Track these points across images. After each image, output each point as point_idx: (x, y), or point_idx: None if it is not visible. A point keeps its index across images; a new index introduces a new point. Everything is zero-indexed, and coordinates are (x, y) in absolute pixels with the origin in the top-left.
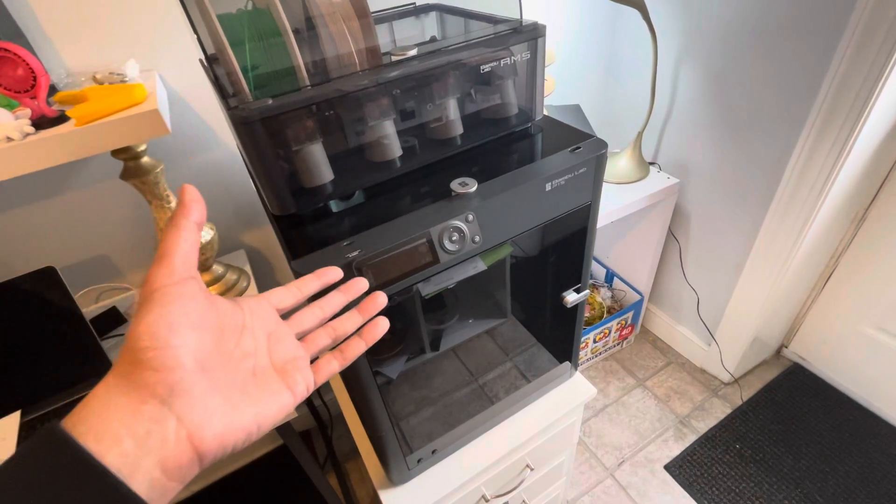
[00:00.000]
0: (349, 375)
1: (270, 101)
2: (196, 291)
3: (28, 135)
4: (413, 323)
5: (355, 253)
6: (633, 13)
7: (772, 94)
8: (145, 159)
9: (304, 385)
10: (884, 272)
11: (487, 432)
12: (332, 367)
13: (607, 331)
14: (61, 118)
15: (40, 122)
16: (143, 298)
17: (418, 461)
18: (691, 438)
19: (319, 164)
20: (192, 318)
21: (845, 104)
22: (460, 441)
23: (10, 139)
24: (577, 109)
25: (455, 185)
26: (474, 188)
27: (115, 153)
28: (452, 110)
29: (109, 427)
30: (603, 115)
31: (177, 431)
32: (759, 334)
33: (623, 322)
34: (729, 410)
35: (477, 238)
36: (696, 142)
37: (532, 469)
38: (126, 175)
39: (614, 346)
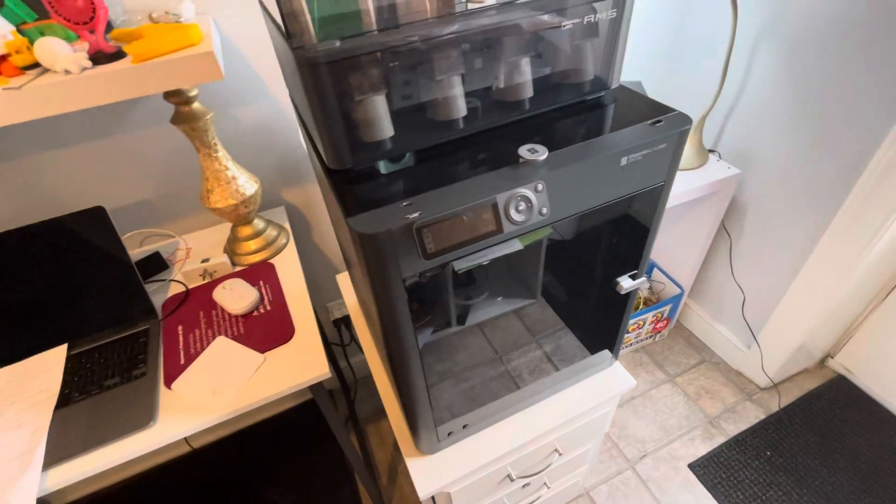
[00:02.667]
0: (391, 335)
1: (338, 44)
2: None
3: (85, 69)
4: (442, 296)
5: (415, 215)
6: None
7: (862, 84)
8: (196, 105)
9: None
10: None
11: (521, 412)
12: None
13: (641, 322)
14: (118, 54)
15: (97, 58)
16: None
17: (448, 434)
18: (720, 440)
19: (381, 117)
20: None
21: None
22: (492, 419)
23: (68, 72)
24: (637, 87)
25: (524, 151)
26: (545, 156)
27: (168, 96)
28: (525, 70)
29: None
30: (663, 95)
31: None
32: (806, 342)
33: (659, 315)
34: (763, 416)
35: (545, 210)
36: (764, 131)
37: (560, 454)
38: (177, 120)
39: (646, 338)
